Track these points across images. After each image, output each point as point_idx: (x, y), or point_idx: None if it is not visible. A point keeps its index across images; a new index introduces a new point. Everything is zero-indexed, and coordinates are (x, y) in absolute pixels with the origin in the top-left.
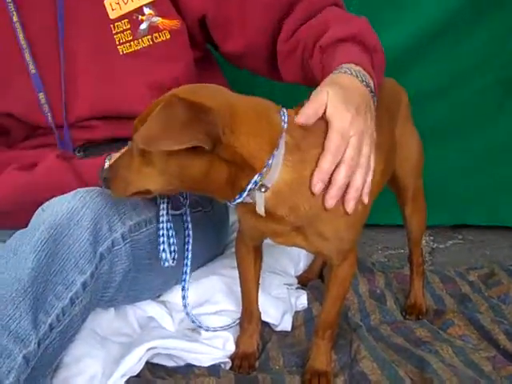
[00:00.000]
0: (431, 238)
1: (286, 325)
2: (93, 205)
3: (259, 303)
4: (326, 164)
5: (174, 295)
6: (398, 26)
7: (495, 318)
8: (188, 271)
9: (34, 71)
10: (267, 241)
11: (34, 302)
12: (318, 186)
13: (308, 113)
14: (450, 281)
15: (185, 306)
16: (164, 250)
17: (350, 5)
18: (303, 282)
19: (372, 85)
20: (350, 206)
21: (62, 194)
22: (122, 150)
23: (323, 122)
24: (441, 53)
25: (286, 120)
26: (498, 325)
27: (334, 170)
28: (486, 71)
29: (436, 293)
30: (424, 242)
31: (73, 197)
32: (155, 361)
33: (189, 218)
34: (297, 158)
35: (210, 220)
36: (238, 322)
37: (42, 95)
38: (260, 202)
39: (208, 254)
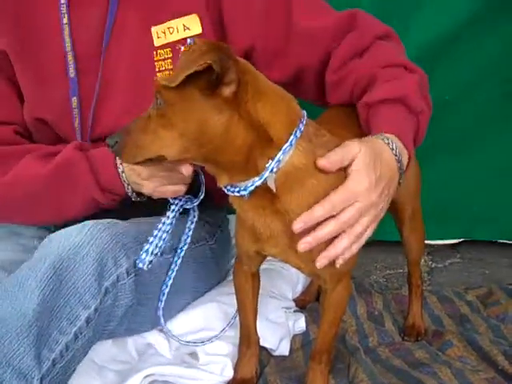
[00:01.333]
0: (430, 257)
1: (283, 349)
2: (99, 240)
3: (257, 328)
4: (318, 211)
5: (171, 322)
6: (404, 39)
7: (494, 339)
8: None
9: (72, 75)
10: (263, 266)
11: (38, 337)
12: (298, 226)
13: (334, 159)
14: (449, 301)
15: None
16: (147, 251)
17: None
18: (301, 304)
19: (404, 160)
20: (321, 262)
21: (76, 185)
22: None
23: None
24: (447, 65)
25: (304, 115)
26: (497, 345)
27: (323, 222)
28: (493, 83)
29: (434, 313)
30: (423, 261)
31: (80, 230)
32: None
33: (196, 213)
34: (308, 147)
35: (213, 252)
36: (213, 339)
37: (75, 99)
38: (271, 182)
39: (208, 285)
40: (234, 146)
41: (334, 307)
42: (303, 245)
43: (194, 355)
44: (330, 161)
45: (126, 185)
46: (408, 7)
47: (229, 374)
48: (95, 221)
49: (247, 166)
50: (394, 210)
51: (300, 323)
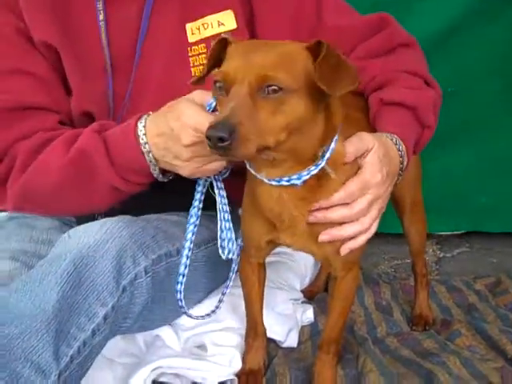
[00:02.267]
0: (438, 246)
1: (291, 341)
2: (118, 238)
3: (264, 320)
4: (335, 198)
5: (182, 318)
6: (406, 29)
7: (503, 328)
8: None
9: (109, 71)
10: (272, 258)
11: (56, 333)
12: (317, 214)
13: (350, 150)
14: (457, 290)
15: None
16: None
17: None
18: (309, 295)
19: (405, 163)
20: (323, 238)
21: (94, 176)
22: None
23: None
24: (449, 56)
25: None
26: (506, 334)
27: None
28: (498, 73)
29: (443, 303)
30: (431, 251)
31: (100, 228)
32: (162, 380)
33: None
34: (340, 135)
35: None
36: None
37: (110, 95)
38: (328, 169)
39: (220, 284)
40: (314, 134)
41: (343, 296)
42: (323, 236)
43: (202, 347)
44: (351, 151)
45: (152, 166)
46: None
47: (237, 365)
48: (115, 218)
49: (309, 155)
50: (393, 200)
51: (308, 314)
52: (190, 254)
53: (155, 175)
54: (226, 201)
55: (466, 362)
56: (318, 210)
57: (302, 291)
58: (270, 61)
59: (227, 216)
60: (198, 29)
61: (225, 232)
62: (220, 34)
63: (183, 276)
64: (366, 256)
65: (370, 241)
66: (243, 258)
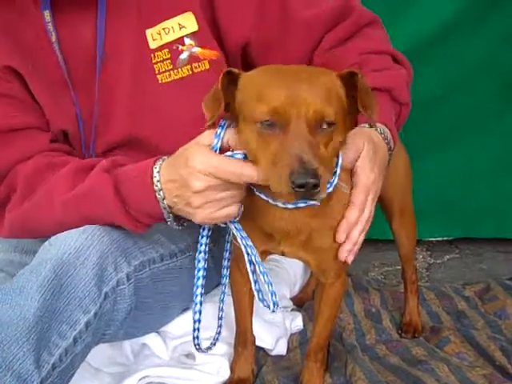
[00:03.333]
0: (428, 253)
1: (280, 349)
2: (99, 244)
3: (253, 328)
4: (352, 217)
5: (168, 325)
6: (394, 34)
7: (491, 335)
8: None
9: (71, 89)
10: None
11: (37, 341)
12: (342, 236)
13: (348, 161)
14: (446, 297)
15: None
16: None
17: None
18: (298, 303)
19: (392, 144)
20: (349, 258)
21: (104, 208)
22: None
23: None
24: (438, 61)
25: None
26: (494, 341)
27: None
28: (487, 77)
29: (432, 309)
30: (421, 257)
31: (80, 235)
32: None
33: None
34: None
35: (214, 258)
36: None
37: (78, 112)
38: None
39: (209, 290)
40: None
41: (331, 302)
42: (345, 253)
43: (190, 356)
44: (349, 160)
45: (166, 213)
46: (399, 2)
47: (225, 374)
48: (96, 225)
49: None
50: (382, 205)
51: (297, 322)
52: (202, 300)
53: (169, 223)
54: (255, 251)
55: (454, 369)
56: (323, 228)
57: (292, 298)
58: (321, 95)
59: (263, 268)
60: (159, 34)
61: (266, 286)
62: (182, 37)
63: (199, 322)
64: (355, 263)
65: (359, 247)
66: (233, 267)
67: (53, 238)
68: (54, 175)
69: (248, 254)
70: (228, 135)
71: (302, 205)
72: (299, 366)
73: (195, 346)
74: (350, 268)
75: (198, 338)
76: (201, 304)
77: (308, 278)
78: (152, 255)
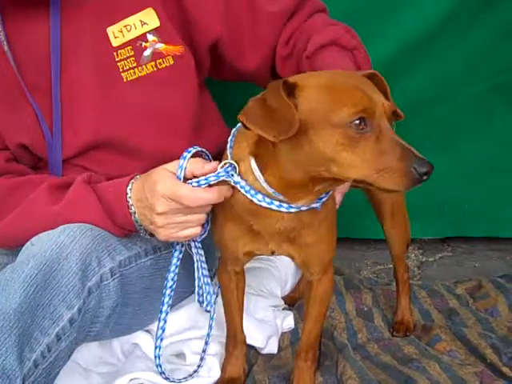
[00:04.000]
0: (420, 251)
1: (271, 348)
2: (82, 239)
3: (244, 326)
4: (340, 199)
5: (155, 324)
6: (384, 36)
7: (482, 332)
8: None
9: (30, 97)
10: (252, 264)
11: (20, 337)
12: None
13: None
14: (438, 295)
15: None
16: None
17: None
18: (290, 302)
19: None
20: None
21: (90, 215)
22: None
23: None
24: (429, 62)
25: None
26: (485, 339)
27: None
28: (476, 79)
29: (424, 308)
30: (413, 255)
31: (62, 231)
32: None
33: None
34: None
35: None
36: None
37: (41, 120)
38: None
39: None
40: None
41: (320, 300)
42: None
43: (180, 356)
44: None
45: (137, 225)
46: (389, 5)
47: (216, 374)
48: (77, 224)
49: None
50: (374, 207)
51: (288, 321)
52: (167, 319)
53: (142, 234)
54: (204, 258)
55: (445, 367)
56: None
57: (284, 297)
58: (382, 95)
59: (206, 272)
60: (121, 31)
61: (203, 286)
62: (145, 33)
63: (161, 340)
64: (348, 261)
65: (352, 246)
66: (221, 267)
67: (35, 238)
68: (31, 191)
69: (198, 260)
70: (192, 166)
71: (305, 208)
72: (290, 365)
73: (158, 366)
74: (342, 267)
75: (159, 357)
76: (165, 322)
77: (300, 277)
78: (137, 250)
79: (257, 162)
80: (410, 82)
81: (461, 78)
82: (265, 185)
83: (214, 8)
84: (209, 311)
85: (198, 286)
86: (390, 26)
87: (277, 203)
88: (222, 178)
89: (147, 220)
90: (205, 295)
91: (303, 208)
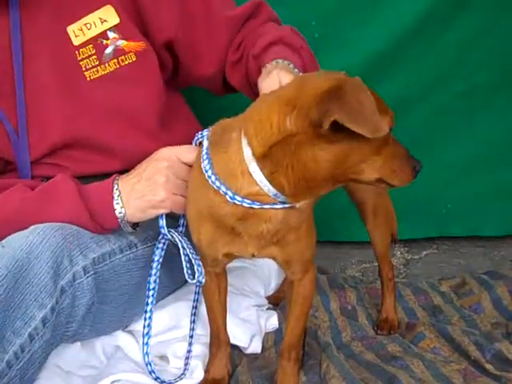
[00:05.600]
0: (406, 249)
1: (255, 347)
2: (52, 238)
3: (227, 326)
4: None
5: (141, 324)
6: (364, 37)
7: (466, 329)
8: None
9: None
10: (235, 264)
11: None
12: None
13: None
14: (422, 293)
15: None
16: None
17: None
18: (274, 302)
19: None
20: None
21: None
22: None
23: None
24: (408, 63)
25: None
26: (469, 336)
27: None
28: (455, 79)
29: (408, 306)
30: (398, 253)
31: (31, 232)
32: None
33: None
34: None
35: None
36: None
37: (5, 122)
38: None
39: (178, 284)
40: None
41: (301, 300)
42: None
43: (164, 358)
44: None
45: (123, 224)
46: (367, 6)
47: (199, 375)
48: (47, 223)
49: None
50: (357, 207)
51: (272, 320)
52: (152, 316)
53: (125, 229)
54: (188, 241)
55: (428, 364)
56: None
57: (268, 297)
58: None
59: (192, 250)
60: (81, 30)
61: (193, 261)
62: (105, 31)
63: (148, 337)
64: (333, 260)
65: (337, 245)
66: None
67: (4, 240)
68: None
69: (182, 239)
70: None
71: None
72: (274, 365)
73: (147, 365)
74: (327, 266)
75: (148, 354)
76: (151, 312)
77: (285, 277)
78: (111, 247)
79: (264, 165)
80: (388, 83)
81: (439, 78)
82: (266, 187)
83: (168, 9)
84: (201, 281)
85: (186, 260)
86: (367, 28)
87: (258, 203)
88: None
89: (150, 193)
90: (195, 267)
91: (286, 205)
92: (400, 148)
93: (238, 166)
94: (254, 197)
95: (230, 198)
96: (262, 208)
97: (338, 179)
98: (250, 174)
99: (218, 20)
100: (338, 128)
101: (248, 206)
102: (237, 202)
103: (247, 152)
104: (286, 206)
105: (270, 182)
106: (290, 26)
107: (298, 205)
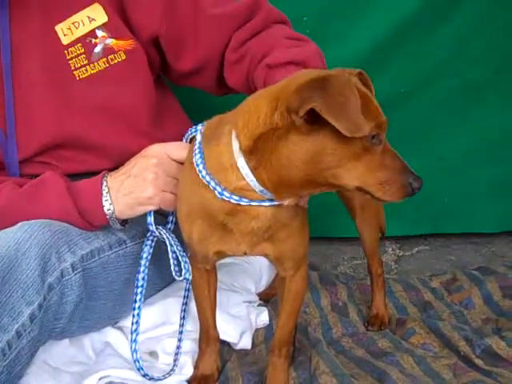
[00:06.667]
0: (397, 245)
1: (245, 343)
2: (40, 235)
3: (217, 322)
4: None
5: (128, 319)
6: (357, 32)
7: (456, 325)
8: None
9: None
10: (225, 260)
11: None
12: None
13: None
14: (413, 289)
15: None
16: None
17: (300, 20)
18: (265, 298)
19: None
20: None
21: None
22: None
23: None
24: (402, 58)
25: None
26: (459, 331)
27: None
28: (448, 74)
29: (399, 302)
30: (390, 249)
31: (19, 228)
32: None
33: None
34: None
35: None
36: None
37: None
38: None
39: (166, 282)
40: None
41: (293, 297)
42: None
43: (153, 354)
44: None
45: (112, 221)
46: (359, 1)
47: (188, 371)
48: (34, 220)
49: None
50: (344, 203)
51: (263, 317)
52: (140, 313)
53: (114, 226)
54: (175, 238)
55: (419, 360)
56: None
57: (259, 294)
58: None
59: (179, 247)
60: (70, 29)
61: (179, 258)
62: (94, 29)
63: (137, 333)
64: (325, 256)
65: (329, 241)
66: (192, 263)
67: None
68: None
69: (169, 236)
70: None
71: (275, 203)
72: (264, 361)
73: (136, 361)
74: (318, 262)
75: (136, 351)
76: (140, 309)
77: (276, 274)
78: (99, 244)
79: (249, 159)
80: (382, 78)
81: (433, 73)
82: (252, 182)
83: (150, 4)
84: (188, 278)
85: (173, 258)
86: (362, 23)
87: (246, 200)
88: None
89: (138, 190)
90: (182, 264)
91: (275, 203)
92: (396, 160)
93: (227, 159)
94: (241, 192)
95: (219, 193)
96: (249, 205)
97: (316, 181)
98: (238, 168)
99: (204, 17)
100: (314, 122)
101: (236, 202)
102: (225, 198)
103: (235, 145)
104: (274, 203)
105: (256, 178)
106: (315, 45)
107: (285, 202)
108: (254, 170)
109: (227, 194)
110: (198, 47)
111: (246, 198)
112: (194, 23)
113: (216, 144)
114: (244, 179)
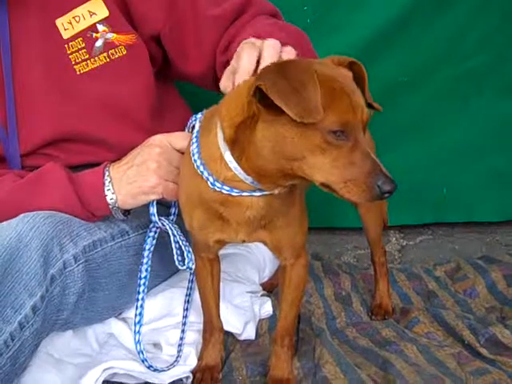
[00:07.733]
0: (401, 234)
1: (249, 333)
2: (42, 226)
3: (221, 313)
4: None
5: (131, 310)
6: (356, 22)
7: (460, 314)
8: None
9: None
10: (228, 250)
11: None
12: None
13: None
14: (417, 278)
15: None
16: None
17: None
18: (268, 288)
19: None
20: None
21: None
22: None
23: None
24: (401, 47)
25: None
26: (463, 320)
27: None
28: (448, 64)
29: (403, 291)
30: (394, 239)
31: (20, 220)
32: (115, 379)
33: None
34: None
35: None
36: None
37: None
38: None
39: (170, 272)
40: None
41: (294, 286)
42: None
43: (157, 345)
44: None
45: (114, 210)
46: None
47: (192, 362)
48: (36, 212)
49: None
50: None
51: (266, 307)
52: (144, 305)
53: (116, 216)
54: (178, 229)
55: (422, 349)
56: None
57: (262, 284)
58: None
59: (182, 237)
60: (70, 23)
61: (183, 247)
62: (95, 24)
63: (140, 325)
64: (328, 246)
65: (332, 231)
66: (194, 253)
67: None
68: None
69: (172, 227)
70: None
71: (266, 193)
72: (268, 351)
73: (140, 353)
74: (322, 252)
75: (140, 343)
76: (143, 300)
77: (279, 265)
78: (102, 235)
79: (233, 149)
80: (382, 68)
81: (432, 63)
82: (240, 173)
83: (156, 9)
84: (191, 268)
85: (176, 247)
86: (362, 12)
87: (237, 190)
88: None
89: (141, 179)
90: (185, 253)
91: (265, 193)
92: (366, 160)
93: (216, 150)
94: (230, 182)
95: (211, 184)
96: (240, 195)
97: (289, 173)
98: (226, 160)
99: (203, 19)
100: (277, 109)
101: (226, 193)
102: (216, 189)
103: (220, 136)
104: (265, 193)
105: (241, 168)
106: (298, 28)
107: (276, 191)
108: (239, 161)
109: (218, 185)
110: (201, 49)
111: (236, 188)
112: (195, 25)
113: (207, 135)
114: (231, 170)
